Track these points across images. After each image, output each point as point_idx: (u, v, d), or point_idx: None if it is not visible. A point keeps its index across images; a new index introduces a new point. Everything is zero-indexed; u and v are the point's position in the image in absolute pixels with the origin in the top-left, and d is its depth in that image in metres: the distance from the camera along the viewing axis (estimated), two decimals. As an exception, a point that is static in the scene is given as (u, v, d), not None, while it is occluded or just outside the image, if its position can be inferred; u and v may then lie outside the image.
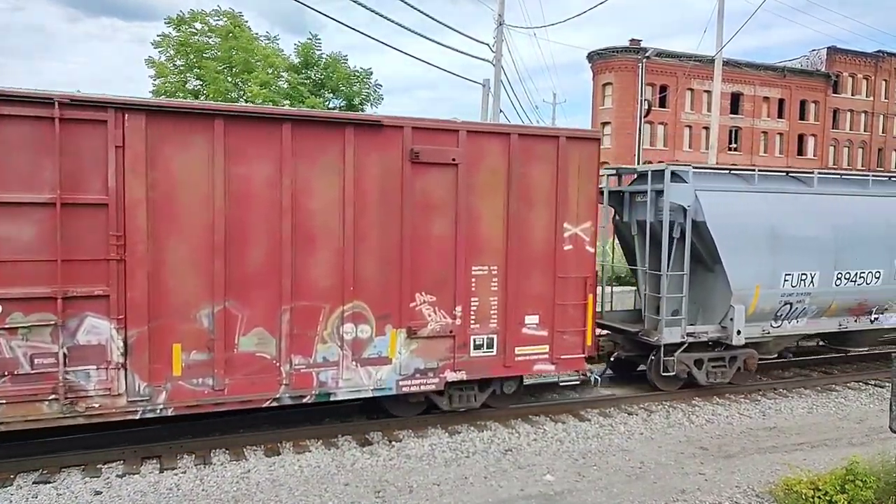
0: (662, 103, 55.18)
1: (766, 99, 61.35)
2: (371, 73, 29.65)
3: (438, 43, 42.03)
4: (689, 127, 58.23)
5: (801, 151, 63.28)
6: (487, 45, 23.33)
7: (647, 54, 37.46)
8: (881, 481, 6.86)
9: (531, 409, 10.38)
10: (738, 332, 10.80)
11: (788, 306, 11.30)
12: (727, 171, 11.93)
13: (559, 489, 7.58)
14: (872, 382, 12.64)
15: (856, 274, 11.71)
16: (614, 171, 12.39)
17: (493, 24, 23.65)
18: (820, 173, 12.03)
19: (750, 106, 60.31)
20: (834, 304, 11.74)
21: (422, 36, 35.06)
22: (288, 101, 26.02)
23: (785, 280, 11.10)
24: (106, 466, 7.97)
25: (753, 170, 11.51)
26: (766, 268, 10.93)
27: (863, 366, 13.88)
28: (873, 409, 11.03)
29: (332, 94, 29.06)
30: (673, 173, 10.71)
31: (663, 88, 55.57)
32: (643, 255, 11.31)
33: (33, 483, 7.48)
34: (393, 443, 8.94)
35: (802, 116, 63.20)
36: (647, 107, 34.83)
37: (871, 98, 65.75)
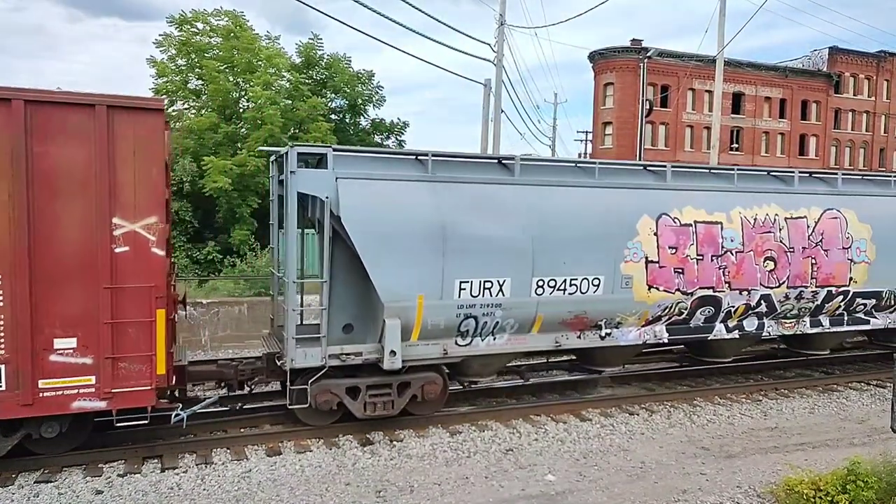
0: (664, 103, 55.12)
1: (768, 99, 61.24)
2: (373, 75, 29.64)
3: (440, 43, 41.98)
4: (691, 127, 58.15)
5: (802, 152, 63.18)
6: (489, 44, 23.35)
7: (648, 54, 37.42)
8: (883, 482, 6.85)
9: (532, 409, 10.38)
10: (393, 353, 8.72)
11: (473, 320, 9.25)
12: (389, 155, 10.19)
13: (560, 489, 7.58)
14: (874, 383, 12.63)
15: (565, 281, 9.64)
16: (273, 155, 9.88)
17: (494, 24, 23.67)
18: (523, 159, 9.80)
19: (751, 106, 60.21)
20: (540, 317, 9.61)
21: (423, 36, 35.05)
22: (289, 101, 26.01)
23: (461, 289, 9.03)
24: (107, 466, 7.98)
25: (427, 154, 9.16)
26: (433, 275, 8.86)
27: (864, 366, 13.87)
28: (875, 410, 11.02)
29: (334, 94, 29.04)
30: (301, 154, 8.65)
31: (665, 88, 55.51)
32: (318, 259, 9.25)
33: (35, 482, 7.49)
34: (394, 442, 8.94)
35: (804, 117, 63.09)
36: (648, 107, 34.81)
37: (873, 98, 65.63)
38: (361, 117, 30.04)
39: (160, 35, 26.67)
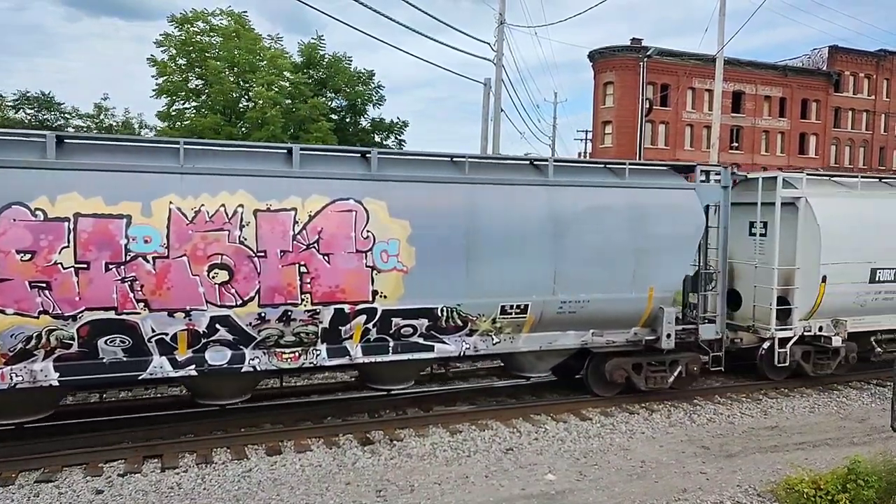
0: (664, 102, 55.14)
1: (768, 98, 61.26)
2: (374, 75, 29.62)
3: (440, 42, 42.05)
4: (691, 126, 58.15)
5: (802, 150, 63.20)
6: (488, 43, 23.35)
7: (648, 53, 37.42)
8: (883, 481, 6.86)
9: (532, 409, 10.38)
10: None
11: None
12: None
13: (560, 488, 7.58)
14: (874, 382, 12.64)
15: None
16: None
17: (493, 23, 23.67)
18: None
19: (751, 105, 60.22)
20: None
21: (423, 35, 35.08)
22: (290, 101, 25.99)
23: None
24: (107, 465, 7.98)
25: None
26: None
27: (864, 366, 13.85)
28: (875, 409, 11.02)
29: (333, 94, 29.02)
30: None
31: (665, 87, 55.53)
32: None
33: (35, 482, 7.49)
34: (394, 442, 8.94)
35: (804, 115, 63.10)
36: (648, 106, 34.81)
37: (873, 97, 65.63)
38: (361, 117, 30.03)
39: (161, 34, 26.63)
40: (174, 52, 26.92)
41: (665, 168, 11.37)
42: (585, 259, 9.87)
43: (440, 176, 9.40)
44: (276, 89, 25.68)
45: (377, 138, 29.99)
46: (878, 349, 12.47)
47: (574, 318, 10.02)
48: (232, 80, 26.10)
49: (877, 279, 11.84)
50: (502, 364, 11.52)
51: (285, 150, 8.92)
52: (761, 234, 11.72)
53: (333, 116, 28.46)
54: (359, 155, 9.35)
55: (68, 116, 30.78)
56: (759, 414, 10.64)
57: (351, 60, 29.07)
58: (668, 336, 10.42)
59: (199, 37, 27.05)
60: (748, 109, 60.09)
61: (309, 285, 8.49)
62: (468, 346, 9.59)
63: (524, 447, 8.91)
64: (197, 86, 27.29)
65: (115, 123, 30.61)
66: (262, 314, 8.35)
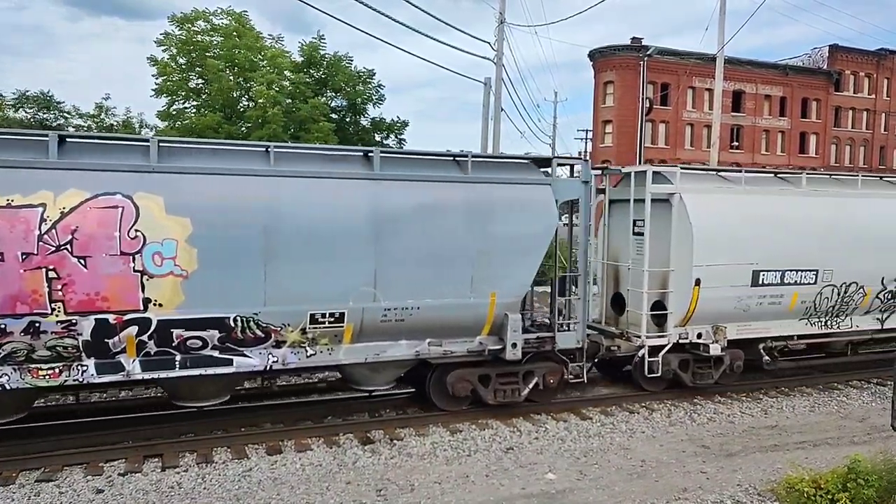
0: (664, 101, 55.06)
1: (768, 97, 61.18)
2: (374, 74, 29.61)
3: (440, 41, 42.00)
4: (691, 125, 58.09)
5: (802, 150, 63.14)
6: (489, 43, 23.32)
7: (648, 52, 37.41)
8: (883, 480, 6.85)
9: (532, 408, 10.38)
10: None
11: None
12: None
13: (560, 487, 7.58)
14: (874, 381, 12.63)
15: None
16: None
17: (493, 22, 23.65)
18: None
19: (752, 104, 60.16)
20: None
21: (423, 34, 35.06)
22: (290, 101, 26.00)
23: None
24: (108, 465, 7.98)
25: None
26: None
27: (865, 364, 13.85)
28: (875, 408, 11.02)
29: (334, 94, 29.02)
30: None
31: (665, 87, 55.46)
32: None
33: (35, 481, 7.49)
34: (394, 441, 8.94)
35: (804, 115, 63.03)
36: (648, 105, 34.80)
37: (874, 96, 65.56)
38: (362, 116, 30.03)
39: (161, 34, 26.64)
40: (175, 51, 26.93)
41: (523, 161, 10.33)
42: (414, 262, 8.87)
43: (235, 168, 8.26)
44: (277, 88, 25.70)
45: (377, 138, 30.00)
46: (766, 358, 11.62)
47: (404, 326, 8.99)
48: (232, 79, 26.11)
49: (760, 282, 10.84)
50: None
51: (43, 138, 7.67)
52: (639, 234, 10.90)
53: (334, 116, 28.46)
54: (137, 144, 8.36)
55: (68, 116, 30.79)
56: (759, 413, 10.64)
57: (352, 60, 29.08)
58: (514, 345, 9.45)
59: (199, 36, 27.06)
60: (748, 109, 60.04)
61: (61, 293, 7.39)
62: (276, 359, 8.52)
63: (524, 446, 8.91)
64: (197, 85, 27.30)
65: (115, 123, 30.60)
66: (2, 326, 7.30)
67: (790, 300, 11.20)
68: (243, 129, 25.99)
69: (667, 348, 10.70)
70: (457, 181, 9.30)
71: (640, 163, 29.29)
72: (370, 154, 9.02)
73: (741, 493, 7.51)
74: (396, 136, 30.78)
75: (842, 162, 63.74)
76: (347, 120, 29.55)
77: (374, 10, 16.27)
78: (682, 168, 10.94)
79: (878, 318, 12.28)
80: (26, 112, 29.87)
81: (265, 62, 26.33)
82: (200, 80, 27.16)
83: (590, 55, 58.09)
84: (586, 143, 55.43)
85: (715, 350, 10.82)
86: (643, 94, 34.56)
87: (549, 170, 10.19)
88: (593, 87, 59.58)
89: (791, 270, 11.07)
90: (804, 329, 11.65)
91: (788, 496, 6.96)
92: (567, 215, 11.56)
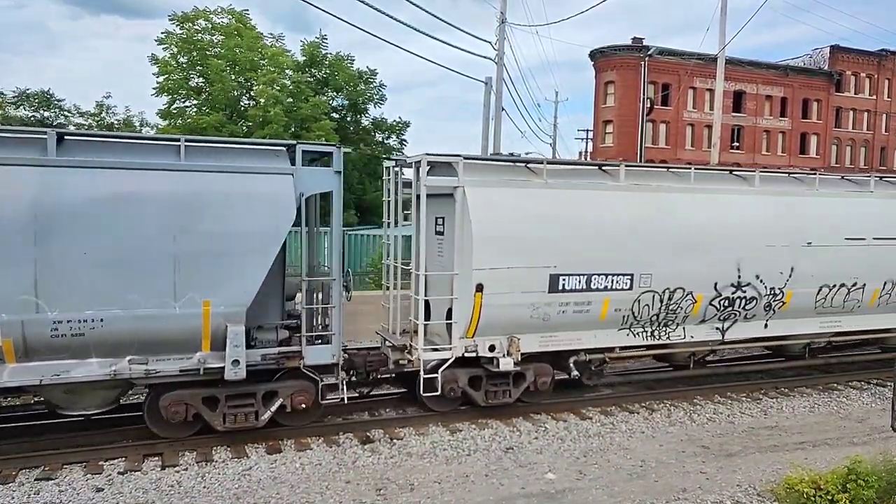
0: (665, 101, 55.06)
1: (769, 97, 61.18)
2: (376, 74, 29.64)
3: (441, 41, 42.04)
4: (692, 125, 58.09)
5: (803, 150, 63.13)
6: (490, 42, 23.33)
7: (649, 52, 37.41)
8: (883, 480, 6.85)
9: (532, 408, 10.37)
10: None
11: None
12: None
13: (560, 487, 7.58)
14: (874, 382, 12.62)
15: None
16: None
17: (494, 22, 23.65)
18: None
19: (752, 104, 60.15)
20: None
21: (424, 34, 35.09)
22: (292, 100, 26.00)
23: None
24: (108, 463, 7.99)
25: None
26: None
27: (865, 365, 13.86)
28: (875, 409, 11.02)
29: (335, 93, 29.04)
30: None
31: (666, 87, 55.45)
32: None
33: (35, 480, 7.50)
34: (394, 441, 8.95)
35: (805, 115, 63.02)
36: (649, 105, 34.80)
37: (874, 97, 65.54)
38: (362, 116, 30.06)
39: (162, 32, 26.66)
40: (175, 50, 26.95)
41: (265, 148, 8.89)
42: (93, 266, 7.48)
43: None
44: (278, 87, 25.72)
45: (378, 137, 30.02)
46: (575, 372, 10.14)
47: (89, 341, 7.58)
48: (233, 78, 26.13)
49: (560, 288, 9.48)
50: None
51: None
52: (440, 233, 9.91)
53: (335, 115, 28.48)
54: None
55: (68, 114, 30.84)
56: (759, 413, 10.64)
57: (353, 60, 29.11)
58: (236, 363, 8.03)
59: (200, 35, 27.08)
60: (749, 109, 60.03)
61: None
62: None
63: (524, 446, 8.91)
64: (198, 83, 27.32)
65: (116, 122, 30.63)
66: None
67: (601, 308, 9.83)
68: (244, 128, 26.01)
69: (448, 363, 9.32)
70: (162, 169, 7.84)
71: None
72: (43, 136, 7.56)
73: (741, 493, 7.51)
74: (398, 137, 30.81)
75: (842, 163, 63.75)
76: (348, 119, 29.58)
77: (376, 9, 16.29)
78: (466, 158, 9.38)
79: (717, 328, 10.84)
80: (26, 110, 29.93)
81: (266, 61, 26.35)
82: (201, 79, 27.17)
83: (590, 55, 58.10)
84: (587, 143, 55.45)
85: (506, 365, 9.40)
86: (644, 94, 34.55)
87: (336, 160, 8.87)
88: (594, 86, 59.61)
89: (599, 275, 9.70)
90: (626, 340, 10.26)
91: (788, 497, 6.95)
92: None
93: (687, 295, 10.32)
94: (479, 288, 9.12)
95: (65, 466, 7.87)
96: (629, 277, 9.90)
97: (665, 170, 11.25)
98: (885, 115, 66.23)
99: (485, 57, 23.22)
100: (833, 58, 63.52)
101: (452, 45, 25.45)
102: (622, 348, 10.38)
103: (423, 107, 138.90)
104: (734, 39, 65.02)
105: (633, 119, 45.10)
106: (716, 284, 10.49)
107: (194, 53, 26.52)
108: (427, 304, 9.71)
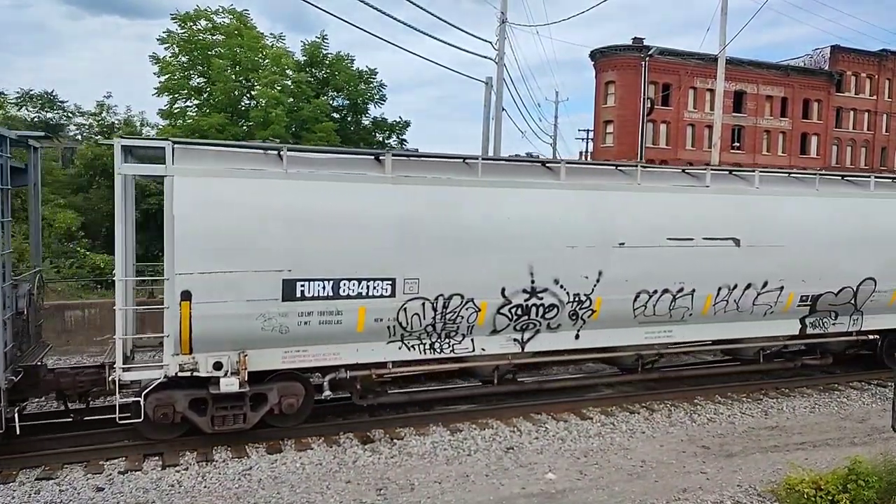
0: (665, 102, 55.03)
1: (770, 98, 61.12)
2: (376, 73, 29.60)
3: (441, 41, 42.05)
4: (692, 125, 58.04)
5: (804, 150, 63.09)
6: (490, 42, 23.32)
7: (649, 52, 37.41)
8: (883, 481, 6.85)
9: (533, 408, 10.37)
10: None
11: None
12: None
13: (560, 487, 7.58)
14: (874, 382, 12.61)
15: None
16: None
17: (495, 22, 23.65)
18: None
19: (753, 104, 60.10)
20: None
21: (424, 33, 35.11)
22: (292, 100, 25.99)
23: None
24: (108, 463, 8.00)
25: None
26: None
27: (865, 366, 13.85)
28: (875, 409, 11.01)
29: (336, 93, 29.02)
30: None
31: (666, 87, 55.42)
32: None
33: (36, 479, 7.50)
34: (395, 441, 8.95)
35: (805, 115, 62.97)
36: (649, 105, 34.81)
37: (875, 97, 65.48)
38: (363, 116, 30.04)
39: (164, 32, 26.65)
40: (177, 49, 26.93)
41: None
42: None
43: None
44: (279, 88, 25.71)
45: (379, 137, 30.01)
46: (328, 392, 8.95)
47: None
48: (234, 78, 26.13)
49: (298, 295, 8.18)
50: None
51: None
52: None
53: (335, 115, 28.47)
54: None
55: (70, 115, 30.85)
56: (759, 414, 10.63)
57: (353, 60, 29.08)
58: None
59: (201, 35, 27.08)
60: (750, 109, 59.99)
61: None
62: None
63: (524, 446, 8.91)
64: (199, 84, 27.31)
65: (116, 122, 30.63)
66: None
67: (356, 318, 8.52)
68: (244, 128, 26.01)
69: (154, 384, 8.04)
70: None
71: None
72: None
73: (741, 493, 7.51)
74: (398, 137, 30.78)
75: (843, 163, 63.69)
76: (349, 119, 29.57)
77: (376, 9, 16.28)
78: (177, 143, 8.26)
79: (515, 340, 9.63)
80: (29, 111, 29.94)
81: (267, 61, 26.35)
82: (202, 80, 27.17)
83: (591, 55, 58.06)
84: (587, 143, 55.43)
85: (228, 386, 8.06)
86: (644, 94, 34.56)
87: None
88: (594, 86, 59.58)
89: (350, 280, 8.39)
90: (400, 354, 9.01)
91: (789, 497, 6.96)
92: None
93: (467, 303, 9.02)
94: (186, 296, 7.79)
95: (65, 466, 7.87)
96: (390, 283, 8.60)
97: (445, 160, 9.57)
98: (885, 116, 66.18)
99: (485, 57, 23.23)
100: (834, 58, 63.48)
101: (453, 46, 25.49)
102: (397, 363, 9.12)
103: (424, 106, 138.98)
104: (735, 39, 65.05)
105: (634, 119, 45.09)
106: (503, 290, 9.17)
107: (196, 53, 26.52)
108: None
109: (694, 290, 10.32)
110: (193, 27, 27.01)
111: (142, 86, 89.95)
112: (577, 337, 9.98)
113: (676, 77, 55.03)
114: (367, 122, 30.20)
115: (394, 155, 8.97)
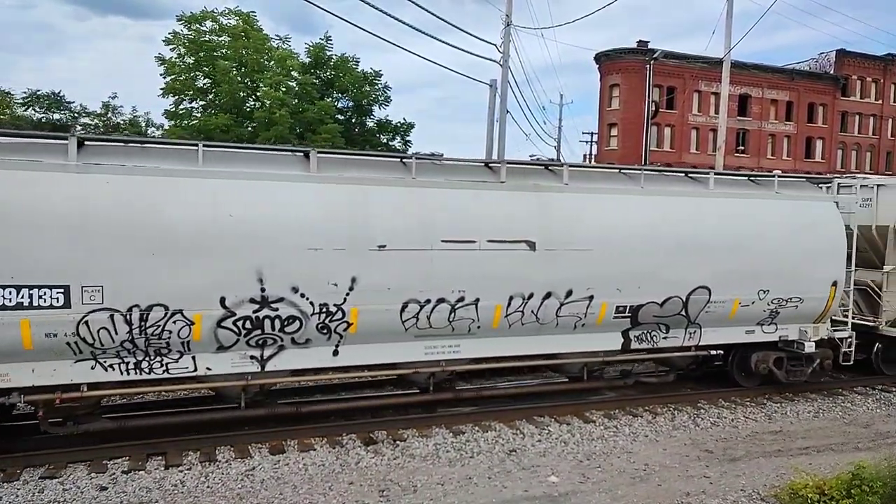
0: (670, 105, 55.05)
1: (774, 101, 61.10)
2: (381, 75, 29.64)
3: (446, 43, 42.11)
4: (697, 129, 58.04)
5: (808, 154, 63.01)
6: (495, 45, 23.35)
7: (654, 56, 37.38)
8: (887, 486, 6.83)
9: (536, 410, 10.36)
10: None
11: None
12: None
13: (563, 490, 7.57)
14: (879, 387, 12.57)
15: None
16: None
17: (499, 24, 23.69)
18: None
19: (758, 108, 60.06)
20: None
21: (429, 35, 35.10)
22: (297, 101, 26.06)
23: None
24: (111, 462, 8.01)
25: None
26: None
27: (869, 370, 13.80)
28: (880, 414, 10.98)
29: (340, 95, 29.08)
30: None
31: (671, 90, 55.45)
32: None
33: (39, 478, 7.52)
34: (397, 442, 8.95)
35: (811, 119, 62.91)
36: (654, 108, 34.77)
37: (880, 101, 65.38)
38: (367, 118, 30.11)
39: (169, 33, 26.79)
40: (182, 50, 27.04)
41: None
42: None
43: None
44: (284, 89, 25.79)
45: (383, 139, 30.06)
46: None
47: None
48: (239, 80, 26.22)
49: None
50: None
51: None
52: None
53: (339, 117, 28.53)
54: None
55: (77, 115, 30.96)
56: (763, 418, 10.61)
57: (358, 62, 29.16)
58: None
59: (207, 36, 27.18)
60: (754, 113, 59.96)
61: None
62: None
63: (527, 449, 8.90)
64: (204, 84, 27.41)
65: (122, 122, 30.74)
66: None
67: (17, 332, 7.12)
68: (249, 129, 26.08)
69: None
70: None
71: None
72: None
73: (744, 498, 7.49)
74: (402, 138, 30.84)
75: (848, 167, 63.55)
76: (353, 121, 29.64)
77: (380, 10, 16.34)
78: None
79: (253, 358, 8.28)
80: (35, 111, 30.04)
81: (272, 63, 26.44)
82: (207, 80, 27.27)
83: (596, 58, 58.11)
84: (591, 145, 55.42)
85: None
86: (649, 98, 34.54)
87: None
88: (599, 89, 59.61)
89: (6, 287, 6.99)
90: (93, 375, 7.69)
91: (792, 502, 6.94)
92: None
93: (174, 315, 7.63)
94: None
95: (69, 465, 7.89)
96: (62, 291, 7.17)
97: (159, 146, 8.41)
98: (890, 120, 66.06)
99: (490, 59, 23.26)
100: (839, 62, 63.43)
101: (457, 48, 25.49)
102: (93, 385, 7.76)
103: (427, 107, 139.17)
104: (740, 43, 64.89)
105: (638, 122, 45.10)
106: (223, 300, 7.80)
107: (201, 54, 26.61)
108: None
109: (478, 300, 8.91)
110: (199, 28, 27.12)
111: (143, 86, 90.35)
112: (335, 353, 8.63)
113: (681, 80, 55.05)
114: (371, 124, 30.27)
115: (89, 141, 7.75)
